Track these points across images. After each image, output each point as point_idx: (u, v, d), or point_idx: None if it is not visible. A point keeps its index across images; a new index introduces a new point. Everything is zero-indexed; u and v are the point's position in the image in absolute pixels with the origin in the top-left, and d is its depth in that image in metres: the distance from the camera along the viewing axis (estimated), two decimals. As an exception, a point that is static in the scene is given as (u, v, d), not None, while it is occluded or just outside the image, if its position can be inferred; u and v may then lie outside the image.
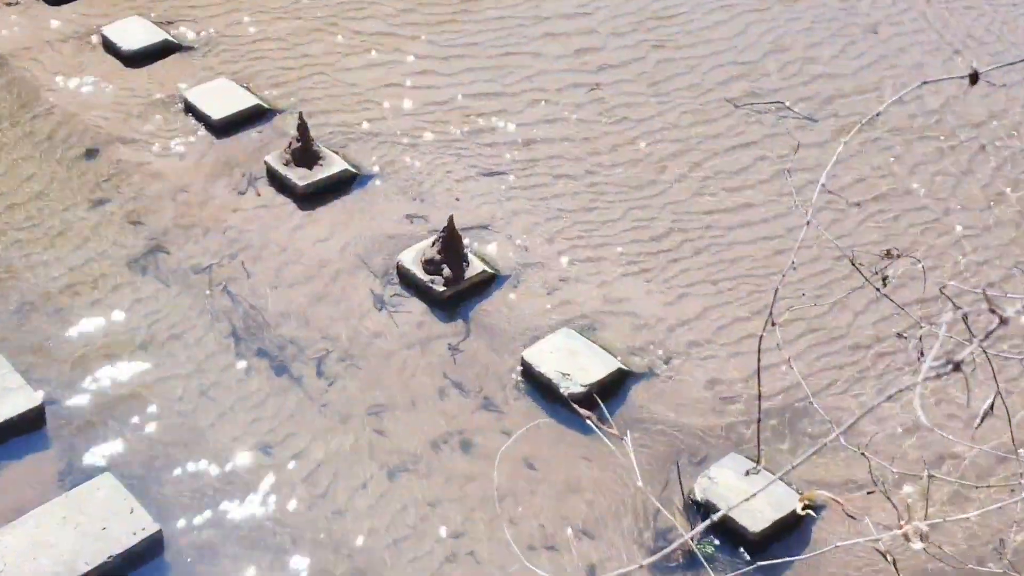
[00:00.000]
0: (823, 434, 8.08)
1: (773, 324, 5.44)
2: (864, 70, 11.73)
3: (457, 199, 10.08)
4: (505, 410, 8.46)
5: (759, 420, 5.53)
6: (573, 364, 8.55)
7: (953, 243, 9.74)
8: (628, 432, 8.15)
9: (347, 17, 12.39)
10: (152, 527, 7.51)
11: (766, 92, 11.40)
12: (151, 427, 8.27)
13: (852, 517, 7.48)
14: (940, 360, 3.08)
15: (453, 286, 9.16)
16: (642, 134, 10.86)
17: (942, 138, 10.85)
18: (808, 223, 4.77)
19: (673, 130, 10.92)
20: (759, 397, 4.86)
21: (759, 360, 4.36)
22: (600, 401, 7.94)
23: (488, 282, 9.36)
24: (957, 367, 3.04)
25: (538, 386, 8.57)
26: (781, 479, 7.82)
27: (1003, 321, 3.17)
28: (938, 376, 3.05)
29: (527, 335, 8.93)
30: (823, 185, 4.74)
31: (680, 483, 7.93)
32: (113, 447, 8.13)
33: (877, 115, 4.90)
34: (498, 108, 11.15)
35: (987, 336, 3.21)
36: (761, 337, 4.87)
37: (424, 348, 8.88)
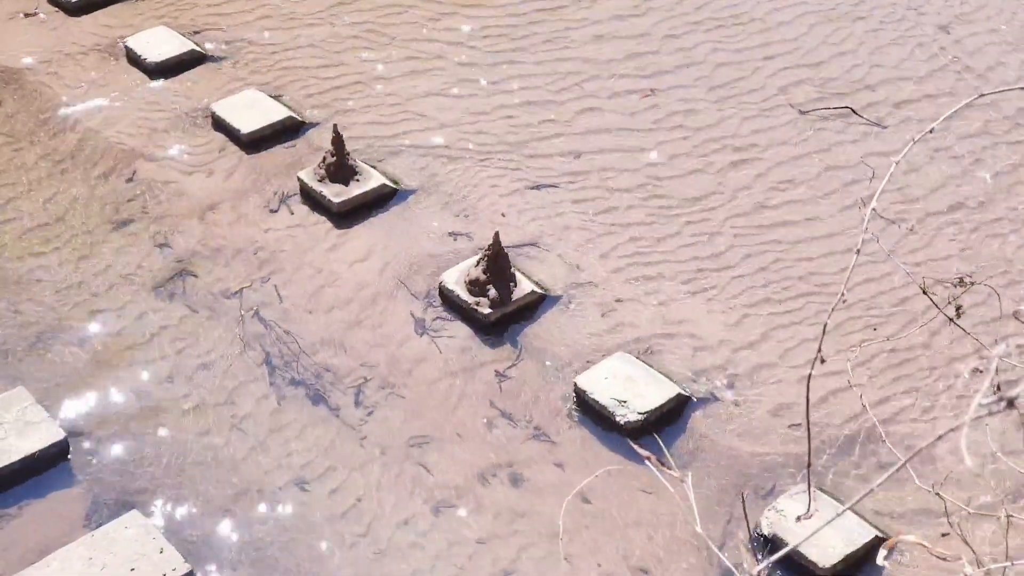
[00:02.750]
0: (898, 463, 8.01)
1: (823, 361, 5.39)
2: (936, 72, 11.66)
3: (503, 215, 10.09)
4: (557, 441, 8.44)
5: (809, 464, 5.51)
6: (630, 390, 8.53)
7: (1038, 256, 9.67)
8: (689, 473, 8.11)
9: (384, 22, 12.43)
10: (183, 567, 7.54)
11: (832, 97, 11.36)
12: (180, 462, 8.31)
13: (944, 559, 7.41)
14: (994, 397, 3.02)
15: (500, 308, 9.16)
16: (700, 143, 10.84)
17: (1020, 143, 10.76)
18: (858, 251, 4.73)
19: (734, 138, 10.89)
20: (808, 436, 4.81)
21: (808, 398, 4.32)
22: (660, 440, 7.91)
23: (537, 304, 9.35)
24: (1011, 404, 2.97)
25: (593, 414, 8.56)
26: (854, 512, 7.79)
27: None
28: (990, 414, 2.99)
29: (580, 360, 8.92)
30: (873, 209, 4.71)
31: (746, 517, 7.89)
32: (141, 483, 8.18)
33: (929, 131, 4.86)
34: (546, 117, 11.15)
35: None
36: (810, 376, 4.81)
37: (469, 375, 8.88)
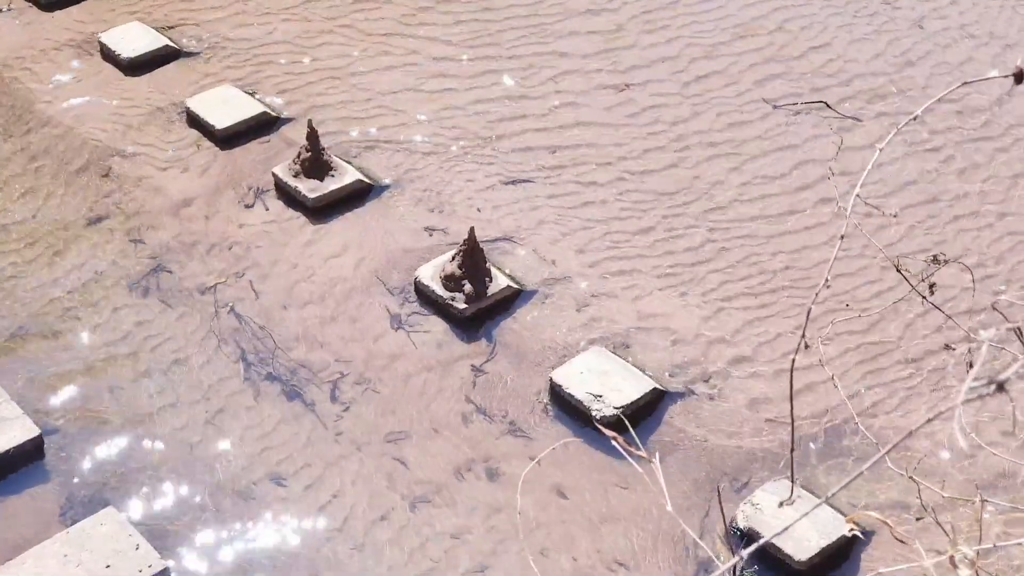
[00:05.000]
0: (871, 456, 8.03)
1: (807, 347, 5.38)
2: (909, 67, 11.68)
3: (478, 210, 10.08)
4: (533, 436, 8.44)
5: (792, 449, 5.52)
6: (605, 385, 8.53)
7: (1008, 249, 9.68)
8: (658, 454, 8.12)
9: (359, 17, 12.40)
10: (159, 564, 7.51)
11: (807, 92, 11.37)
12: (156, 458, 8.28)
13: (902, 541, 7.43)
14: (983, 380, 3.00)
15: (475, 303, 9.15)
16: (676, 137, 10.84)
17: (993, 138, 10.80)
18: (843, 237, 4.72)
19: (708, 133, 10.89)
20: (792, 423, 4.80)
21: (791, 384, 4.32)
22: (628, 423, 7.91)
23: (513, 298, 9.35)
24: (1001, 387, 2.96)
25: (568, 409, 8.55)
26: (829, 504, 7.80)
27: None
28: (980, 397, 2.97)
29: (556, 355, 8.91)
30: (858, 195, 4.70)
31: (722, 510, 7.89)
32: (116, 480, 8.15)
33: (914, 118, 4.84)
34: (521, 112, 11.14)
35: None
36: (793, 360, 4.81)
37: (445, 370, 8.87)
